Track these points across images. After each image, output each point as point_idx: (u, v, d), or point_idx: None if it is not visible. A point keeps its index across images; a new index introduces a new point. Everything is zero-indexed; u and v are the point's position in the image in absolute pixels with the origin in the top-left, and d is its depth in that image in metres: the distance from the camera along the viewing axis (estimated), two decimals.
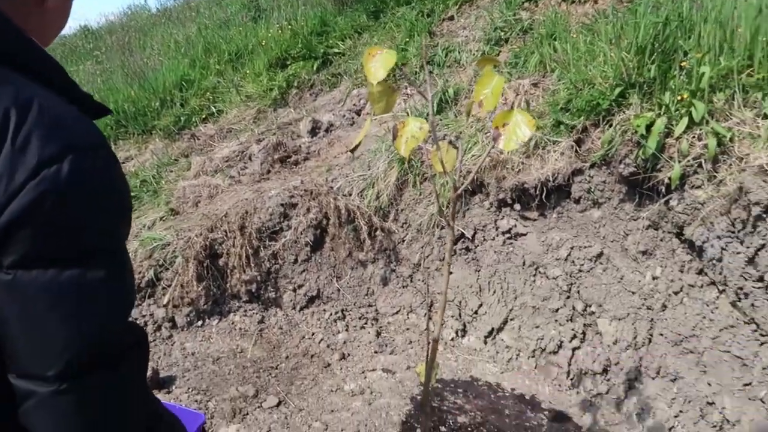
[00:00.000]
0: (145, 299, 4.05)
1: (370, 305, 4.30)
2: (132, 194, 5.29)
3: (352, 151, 1.91)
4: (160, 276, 4.12)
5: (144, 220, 4.83)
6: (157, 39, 9.98)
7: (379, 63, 1.86)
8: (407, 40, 6.47)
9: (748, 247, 2.82)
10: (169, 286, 4.08)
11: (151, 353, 3.80)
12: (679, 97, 3.15)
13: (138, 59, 8.64)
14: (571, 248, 3.62)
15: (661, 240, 3.31)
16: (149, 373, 3.42)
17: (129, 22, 13.64)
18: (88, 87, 8.36)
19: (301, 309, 4.26)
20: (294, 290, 4.29)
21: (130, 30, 12.01)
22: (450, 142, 2.23)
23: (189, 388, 3.48)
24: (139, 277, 4.08)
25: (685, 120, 3.10)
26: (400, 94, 1.95)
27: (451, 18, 6.51)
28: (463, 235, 4.03)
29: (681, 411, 2.98)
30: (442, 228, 4.08)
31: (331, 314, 4.19)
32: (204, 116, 6.98)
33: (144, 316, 3.99)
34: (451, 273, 4.02)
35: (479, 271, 3.97)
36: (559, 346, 3.58)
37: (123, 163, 6.51)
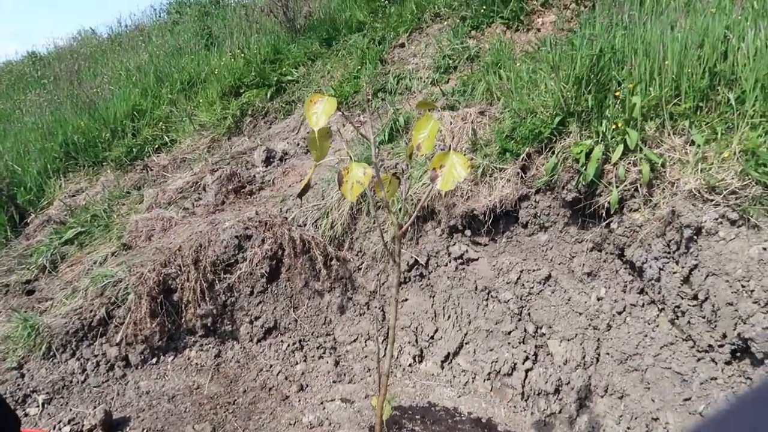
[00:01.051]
0: (96, 338, 3.98)
1: (328, 334, 4.32)
2: (82, 230, 5.20)
3: (300, 196, 1.96)
4: (112, 314, 4.06)
5: (95, 256, 4.75)
6: (108, 67, 9.84)
7: (320, 110, 1.92)
8: (359, 67, 6.60)
9: (683, 267, 2.98)
10: (122, 323, 4.02)
11: (103, 394, 3.73)
12: (614, 126, 3.33)
13: (87, 89, 8.51)
14: (521, 272, 3.74)
15: (605, 261, 3.46)
16: (102, 415, 3.36)
17: (78, 48, 13.39)
18: (35, 118, 8.18)
19: (259, 341, 4.25)
20: (251, 322, 4.28)
21: (79, 57, 11.80)
22: (394, 174, 2.31)
23: (143, 429, 3.42)
24: (90, 316, 4.01)
25: (621, 147, 3.27)
26: (332, 139, 2.02)
27: (402, 45, 6.66)
28: (416, 261, 4.10)
29: (629, 428, 3.10)
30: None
31: (288, 345, 4.19)
32: (157, 146, 6.92)
33: (96, 355, 3.91)
34: (405, 300, 4.09)
35: (434, 296, 4.05)
36: (513, 368, 3.67)
37: (73, 196, 6.39)
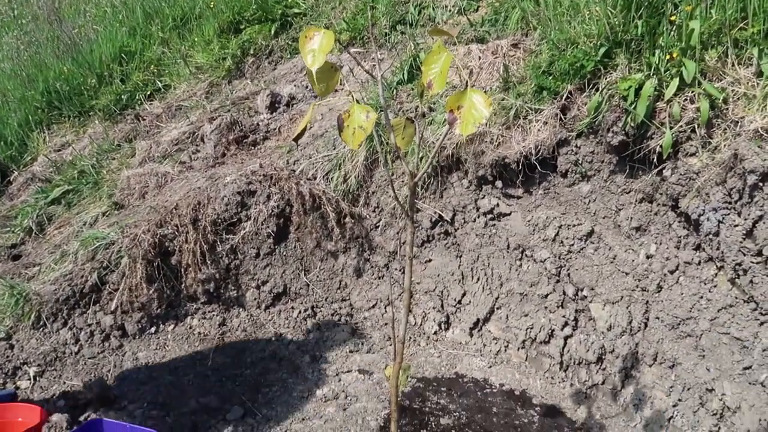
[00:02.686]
0: (89, 306, 4.11)
1: (343, 300, 4.40)
2: (70, 188, 5.31)
3: (296, 140, 1.98)
4: (105, 279, 4.18)
5: (84, 217, 4.87)
6: (91, 3, 9.83)
7: (317, 46, 1.91)
8: None
9: (745, 219, 2.94)
10: (117, 290, 4.15)
11: (99, 366, 3.88)
12: (668, 56, 3.24)
13: (69, 29, 8.53)
14: (559, 227, 3.73)
15: (655, 214, 3.43)
16: (98, 388, 3.51)
17: None
18: (12, 63, 8.26)
19: (267, 308, 4.35)
20: (257, 287, 4.37)
21: None
22: (408, 118, 2.30)
23: (144, 403, 3.56)
24: (81, 281, 4.14)
25: (676, 81, 3.19)
26: (340, 74, 2.01)
27: None
28: (441, 217, 4.12)
29: (680, 399, 3.13)
30: (419, 211, 4.17)
31: (300, 312, 4.28)
32: (149, 93, 6.96)
33: (90, 324, 4.06)
34: (429, 261, 4.13)
35: (461, 256, 4.08)
36: (550, 335, 3.71)
37: (58, 150, 6.50)
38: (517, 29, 4.61)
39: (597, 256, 3.63)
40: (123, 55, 7.38)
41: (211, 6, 7.50)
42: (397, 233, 4.32)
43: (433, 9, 5.76)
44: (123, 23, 8.05)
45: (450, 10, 5.65)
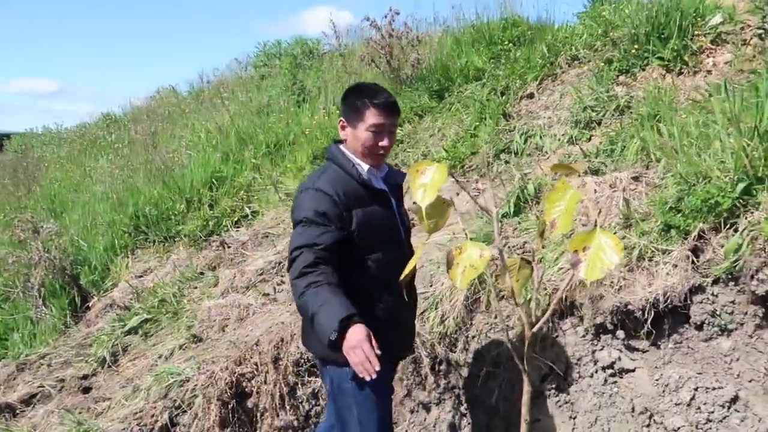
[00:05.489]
0: None
1: None
2: (148, 317, 5.52)
3: (400, 283, 1.97)
4: (176, 420, 4.20)
5: (161, 349, 5.00)
6: (187, 129, 10.71)
7: (428, 180, 1.94)
8: (477, 123, 6.70)
9: None
10: None
11: None
12: None
13: (163, 153, 9.27)
14: (695, 389, 3.46)
15: None
16: None
17: (156, 108, 14.74)
18: (105, 186, 8.97)
19: None
20: None
21: (156, 118, 12.96)
22: (523, 259, 2.26)
23: None
24: (151, 422, 4.17)
25: None
26: (452, 210, 2.02)
27: (531, 96, 6.71)
28: (552, 369, 3.93)
29: None
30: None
31: None
32: (236, 219, 7.31)
33: None
34: (537, 420, 3.91)
35: (575, 418, 3.83)
36: None
37: (140, 276, 6.84)
38: (636, 160, 4.58)
39: (744, 428, 3.31)
40: (214, 180, 7.88)
41: (306, 132, 7.98)
42: (500, 386, 4.14)
43: (541, 138, 5.86)
44: (216, 148, 8.68)
45: (559, 139, 5.73)
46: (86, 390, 5.12)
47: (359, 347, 2.35)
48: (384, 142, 2.88)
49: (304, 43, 13.25)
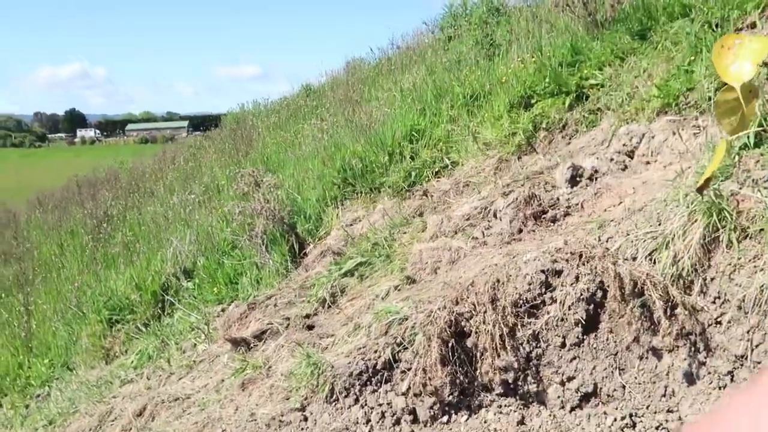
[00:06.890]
0: (381, 384, 4.01)
1: (669, 410, 3.70)
2: (362, 260, 5.46)
3: (701, 190, 1.55)
4: (398, 357, 4.07)
5: (377, 290, 4.91)
6: (382, 89, 10.69)
7: (743, 55, 1.48)
8: (691, 58, 5.89)
9: None
10: (409, 369, 4.00)
11: None
12: None
13: (363, 111, 9.29)
14: None
15: None
16: None
17: (350, 77, 15.00)
18: (313, 145, 9.17)
19: (573, 409, 3.83)
20: (562, 383, 3.89)
21: (352, 83, 13.14)
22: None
23: None
24: (375, 357, 4.07)
25: None
26: (757, 101, 1.54)
27: (752, 25, 5.80)
28: None
29: None
30: None
31: (615, 419, 3.68)
32: (437, 169, 7.11)
33: (381, 404, 3.94)
34: None
35: None
36: None
37: (350, 225, 6.87)
38: None
39: None
40: (413, 132, 7.72)
41: (502, 82, 7.55)
42: (747, 332, 3.54)
43: None
44: (413, 104, 8.51)
45: None
46: (310, 327, 5.18)
47: None
48: None
49: (490, 1, 12.71)
